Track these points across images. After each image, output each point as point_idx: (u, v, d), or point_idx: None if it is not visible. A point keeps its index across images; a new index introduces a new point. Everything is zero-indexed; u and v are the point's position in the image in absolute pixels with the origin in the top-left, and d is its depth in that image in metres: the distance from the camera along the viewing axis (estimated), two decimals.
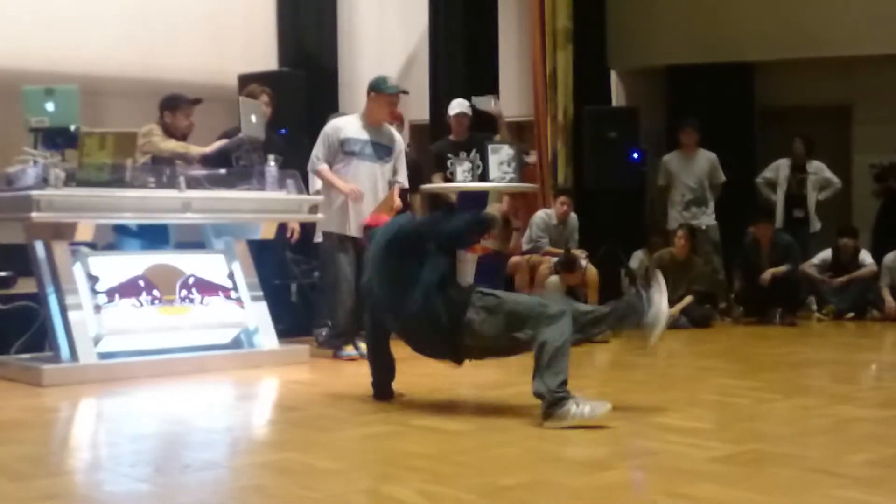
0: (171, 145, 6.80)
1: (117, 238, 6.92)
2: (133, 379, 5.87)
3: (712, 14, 10.74)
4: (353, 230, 6.64)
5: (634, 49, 11.05)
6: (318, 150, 6.81)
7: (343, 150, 6.75)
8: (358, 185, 6.70)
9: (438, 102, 9.76)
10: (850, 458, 3.78)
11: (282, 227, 7.29)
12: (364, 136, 6.80)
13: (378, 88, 6.81)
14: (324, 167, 6.76)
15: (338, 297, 6.78)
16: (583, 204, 9.66)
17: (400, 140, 7.07)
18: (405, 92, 7.03)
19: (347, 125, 6.83)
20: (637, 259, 10.23)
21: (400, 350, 6.91)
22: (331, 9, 11.17)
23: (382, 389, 5.16)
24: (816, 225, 10.03)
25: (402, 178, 7.01)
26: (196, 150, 6.87)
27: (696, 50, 10.68)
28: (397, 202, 6.69)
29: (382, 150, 6.86)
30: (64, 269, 5.99)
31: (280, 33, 10.90)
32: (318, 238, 7.23)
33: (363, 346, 6.72)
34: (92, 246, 6.43)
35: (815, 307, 9.76)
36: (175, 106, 6.97)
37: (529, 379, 4.47)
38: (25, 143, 6.29)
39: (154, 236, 6.85)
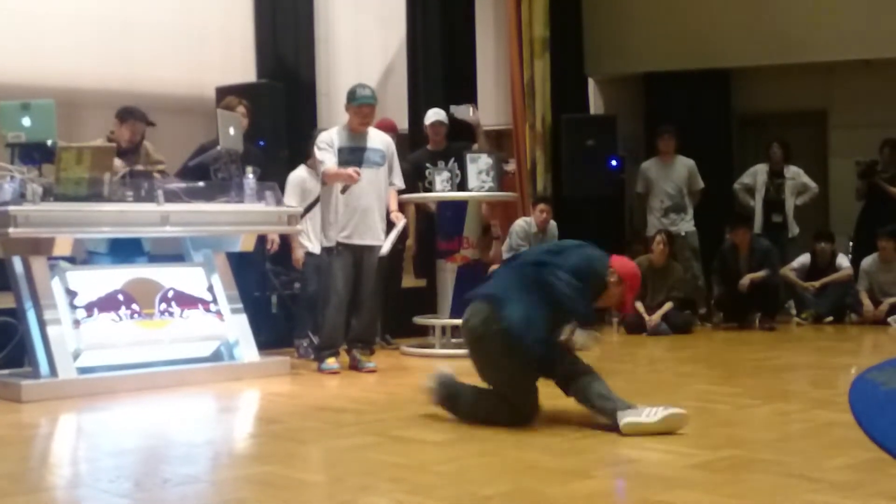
0: None
1: (89, 256, 6.89)
2: (113, 393, 5.85)
3: (689, 21, 10.80)
4: (357, 238, 6.69)
5: (611, 57, 11.10)
6: (323, 157, 6.70)
7: (339, 160, 6.74)
8: (358, 192, 6.64)
9: (417, 112, 9.76)
10: (828, 463, 3.81)
11: (261, 239, 7.29)
12: (352, 143, 6.79)
13: (347, 99, 6.86)
14: (329, 166, 6.65)
15: (326, 311, 6.78)
16: (562, 212, 9.68)
17: (390, 142, 7.04)
18: (369, 103, 6.80)
19: (336, 136, 6.81)
20: None
21: (383, 360, 6.93)
22: (308, 20, 11.19)
23: None
24: (795, 230, 10.05)
25: (398, 181, 7.02)
26: None
27: (673, 57, 10.74)
28: (402, 221, 6.86)
29: (375, 154, 6.83)
30: (42, 284, 5.97)
31: (258, 45, 10.91)
32: (316, 249, 7.22)
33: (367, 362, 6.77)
34: (70, 260, 6.41)
35: (794, 311, 9.80)
36: (123, 117, 6.95)
37: None
38: (2, 158, 6.28)
39: (127, 253, 6.81)
